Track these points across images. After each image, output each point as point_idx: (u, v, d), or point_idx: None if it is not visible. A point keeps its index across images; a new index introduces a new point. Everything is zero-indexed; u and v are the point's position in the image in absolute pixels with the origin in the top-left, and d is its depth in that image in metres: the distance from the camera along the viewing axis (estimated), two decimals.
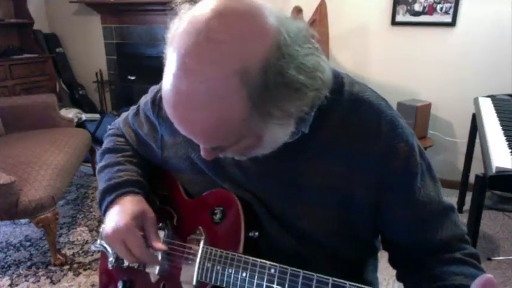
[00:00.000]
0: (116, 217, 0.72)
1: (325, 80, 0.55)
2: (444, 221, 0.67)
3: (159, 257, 0.76)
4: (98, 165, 0.88)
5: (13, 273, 2.05)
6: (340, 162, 0.65)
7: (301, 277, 0.59)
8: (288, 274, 0.60)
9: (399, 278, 0.73)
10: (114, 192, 0.78)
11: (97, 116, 3.88)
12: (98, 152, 0.91)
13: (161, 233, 0.79)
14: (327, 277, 0.58)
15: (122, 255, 0.73)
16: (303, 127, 0.62)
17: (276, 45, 0.49)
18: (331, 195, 0.66)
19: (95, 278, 2.00)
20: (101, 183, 0.82)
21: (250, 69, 0.48)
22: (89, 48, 4.02)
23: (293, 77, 0.50)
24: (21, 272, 2.06)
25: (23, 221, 2.48)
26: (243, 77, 0.48)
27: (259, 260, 0.64)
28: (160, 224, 0.79)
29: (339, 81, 0.67)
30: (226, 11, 0.49)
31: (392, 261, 0.74)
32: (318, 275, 0.59)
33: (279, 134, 0.58)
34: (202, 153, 0.60)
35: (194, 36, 0.49)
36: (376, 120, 0.65)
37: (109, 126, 0.97)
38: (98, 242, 0.85)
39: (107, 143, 0.91)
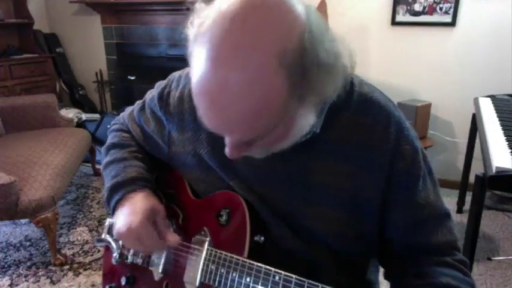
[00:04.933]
0: (128, 216, 0.72)
1: (347, 65, 0.55)
2: (440, 226, 0.68)
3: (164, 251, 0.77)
4: (103, 161, 0.87)
5: (13, 273, 2.05)
6: (349, 162, 0.65)
7: (305, 287, 0.59)
8: (293, 283, 0.60)
9: (387, 276, 0.73)
10: (121, 189, 0.78)
11: (97, 116, 3.88)
12: (103, 147, 0.91)
13: None
14: None
15: (135, 250, 0.76)
16: (314, 126, 0.62)
17: (308, 29, 0.50)
18: (341, 196, 0.66)
19: (95, 278, 2.00)
20: (107, 179, 0.82)
21: (288, 52, 0.48)
22: (89, 48, 4.02)
23: (325, 59, 0.50)
24: (21, 272, 2.06)
25: (23, 221, 2.48)
26: (282, 60, 0.48)
27: (263, 266, 0.63)
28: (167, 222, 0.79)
29: (348, 81, 0.66)
30: (256, 0, 0.49)
31: (382, 260, 0.75)
32: (323, 285, 0.58)
33: (305, 122, 0.57)
34: (228, 151, 0.58)
35: (228, 25, 0.48)
36: (385, 122, 0.65)
37: (113, 121, 0.96)
38: (103, 236, 0.85)
39: (111, 138, 0.90)
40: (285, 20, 0.49)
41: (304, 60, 0.49)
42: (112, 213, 0.79)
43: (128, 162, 0.83)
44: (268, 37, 0.48)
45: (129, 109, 0.93)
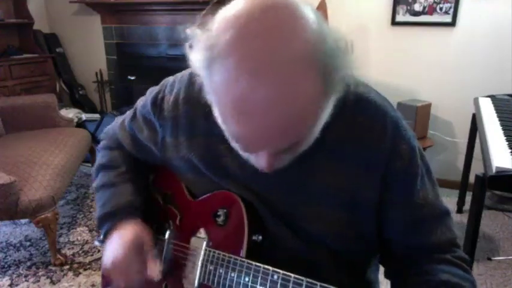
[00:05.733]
0: (114, 250, 0.73)
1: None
2: (439, 225, 0.68)
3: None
4: (94, 183, 0.88)
5: (13, 273, 2.05)
6: (347, 162, 0.65)
7: (304, 286, 0.59)
8: (291, 282, 0.59)
9: (387, 275, 0.73)
10: (109, 220, 0.79)
11: (97, 116, 3.88)
12: (93, 168, 0.92)
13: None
14: (331, 287, 0.58)
15: (118, 285, 0.75)
16: None
17: (320, 22, 0.51)
18: (340, 196, 0.66)
19: (95, 278, 2.00)
20: (98, 205, 0.84)
21: (314, 51, 0.49)
22: (89, 48, 4.02)
23: (339, 41, 0.52)
24: (21, 272, 2.06)
25: (23, 221, 2.48)
26: (312, 62, 0.49)
27: (262, 265, 0.63)
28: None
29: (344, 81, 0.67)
30: (268, 8, 0.49)
31: (382, 259, 0.75)
32: (322, 284, 0.58)
33: (325, 116, 0.57)
34: (264, 165, 0.57)
35: (254, 44, 0.48)
36: (382, 121, 0.65)
37: (102, 135, 0.96)
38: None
39: (100, 158, 0.91)
40: (301, 20, 0.50)
41: (327, 50, 0.50)
42: (104, 242, 0.80)
43: (116, 190, 0.83)
44: (296, 47, 0.48)
45: (119, 119, 0.92)
